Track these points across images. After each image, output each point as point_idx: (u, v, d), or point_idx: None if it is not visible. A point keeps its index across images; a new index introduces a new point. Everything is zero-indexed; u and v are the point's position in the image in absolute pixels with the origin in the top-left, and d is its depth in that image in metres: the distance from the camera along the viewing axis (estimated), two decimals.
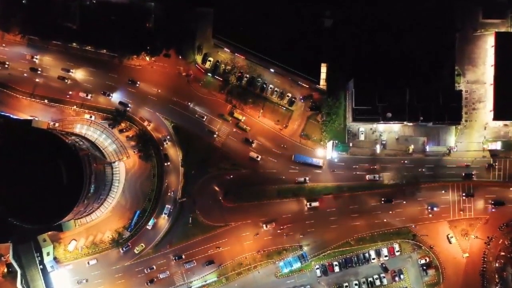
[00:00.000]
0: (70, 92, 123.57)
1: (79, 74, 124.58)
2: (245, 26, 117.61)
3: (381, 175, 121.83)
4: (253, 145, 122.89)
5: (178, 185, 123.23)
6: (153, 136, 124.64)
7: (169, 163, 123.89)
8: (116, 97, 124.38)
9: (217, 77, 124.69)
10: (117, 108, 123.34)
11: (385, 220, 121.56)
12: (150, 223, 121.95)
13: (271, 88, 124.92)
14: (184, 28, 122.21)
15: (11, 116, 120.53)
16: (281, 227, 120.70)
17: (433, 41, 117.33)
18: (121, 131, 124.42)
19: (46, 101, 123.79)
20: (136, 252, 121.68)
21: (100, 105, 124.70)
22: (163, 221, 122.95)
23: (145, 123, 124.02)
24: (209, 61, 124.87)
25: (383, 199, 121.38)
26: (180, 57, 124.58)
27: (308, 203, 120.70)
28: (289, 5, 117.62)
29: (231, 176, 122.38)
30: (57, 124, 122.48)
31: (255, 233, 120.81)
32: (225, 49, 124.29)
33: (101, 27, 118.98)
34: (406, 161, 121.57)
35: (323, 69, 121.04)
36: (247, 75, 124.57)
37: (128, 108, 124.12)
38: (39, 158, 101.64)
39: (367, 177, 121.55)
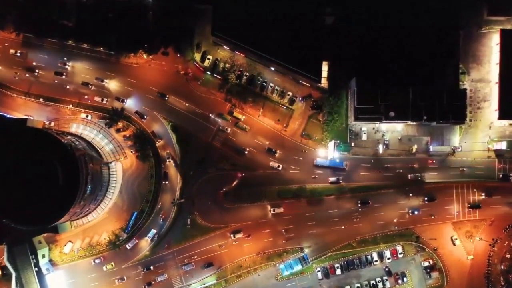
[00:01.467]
0: (86, 97, 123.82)
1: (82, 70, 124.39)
2: (245, 24, 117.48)
3: (422, 174, 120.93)
4: (276, 154, 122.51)
5: (177, 186, 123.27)
6: (157, 151, 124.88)
7: (167, 182, 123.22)
8: (130, 103, 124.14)
9: (216, 75, 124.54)
10: (113, 107, 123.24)
11: (381, 223, 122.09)
12: (131, 243, 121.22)
13: (271, 86, 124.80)
14: (183, 25, 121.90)
15: (6, 115, 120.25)
16: (247, 236, 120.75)
17: (437, 38, 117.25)
18: (118, 130, 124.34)
19: (41, 100, 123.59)
20: (105, 270, 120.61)
21: (96, 104, 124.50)
22: (145, 244, 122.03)
23: (157, 140, 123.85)
24: (208, 59, 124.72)
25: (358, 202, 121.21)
26: (178, 55, 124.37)
27: (272, 209, 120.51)
28: (289, 2, 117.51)
29: (243, 174, 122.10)
30: (52, 124, 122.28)
31: (219, 244, 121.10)
32: (224, 46, 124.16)
33: (97, 24, 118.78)
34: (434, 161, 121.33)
35: (325, 67, 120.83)
36: (247, 74, 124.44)
37: (124, 103, 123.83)
38: (34, 158, 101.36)
39: (409, 176, 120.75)
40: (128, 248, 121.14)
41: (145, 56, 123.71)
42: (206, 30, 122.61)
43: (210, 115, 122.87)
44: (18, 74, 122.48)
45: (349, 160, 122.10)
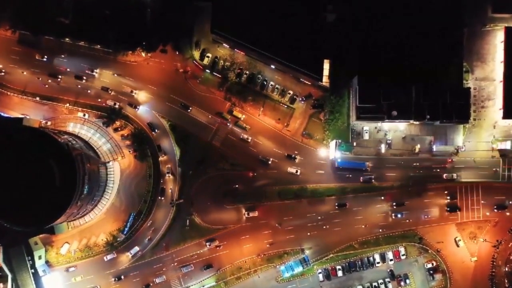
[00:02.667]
0: (100, 100, 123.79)
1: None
2: (245, 21, 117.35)
3: (458, 174, 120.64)
4: (296, 160, 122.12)
5: (175, 187, 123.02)
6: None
7: (162, 198, 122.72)
8: (142, 110, 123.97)
9: (215, 73, 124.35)
10: (111, 106, 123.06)
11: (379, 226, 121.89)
12: (109, 256, 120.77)
13: (271, 85, 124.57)
14: (181, 22, 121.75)
15: (1, 114, 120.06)
16: (218, 246, 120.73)
17: (440, 36, 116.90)
18: (115, 129, 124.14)
19: (38, 98, 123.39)
20: (74, 281, 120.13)
21: (94, 103, 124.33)
22: (125, 259, 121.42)
23: (160, 155, 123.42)
24: (208, 57, 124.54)
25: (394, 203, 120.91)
26: (177, 53, 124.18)
27: (246, 213, 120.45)
28: None
29: (255, 174, 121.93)
30: (49, 123, 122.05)
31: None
32: (224, 44, 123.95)
33: (95, 21, 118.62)
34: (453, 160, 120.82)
35: (326, 65, 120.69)
36: (247, 72, 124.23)
37: (137, 110, 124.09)
38: (31, 158, 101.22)
39: (445, 176, 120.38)
40: (105, 260, 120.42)
41: (143, 54, 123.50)
42: (205, 27, 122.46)
43: (228, 124, 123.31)
44: (40, 79, 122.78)
45: (351, 160, 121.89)
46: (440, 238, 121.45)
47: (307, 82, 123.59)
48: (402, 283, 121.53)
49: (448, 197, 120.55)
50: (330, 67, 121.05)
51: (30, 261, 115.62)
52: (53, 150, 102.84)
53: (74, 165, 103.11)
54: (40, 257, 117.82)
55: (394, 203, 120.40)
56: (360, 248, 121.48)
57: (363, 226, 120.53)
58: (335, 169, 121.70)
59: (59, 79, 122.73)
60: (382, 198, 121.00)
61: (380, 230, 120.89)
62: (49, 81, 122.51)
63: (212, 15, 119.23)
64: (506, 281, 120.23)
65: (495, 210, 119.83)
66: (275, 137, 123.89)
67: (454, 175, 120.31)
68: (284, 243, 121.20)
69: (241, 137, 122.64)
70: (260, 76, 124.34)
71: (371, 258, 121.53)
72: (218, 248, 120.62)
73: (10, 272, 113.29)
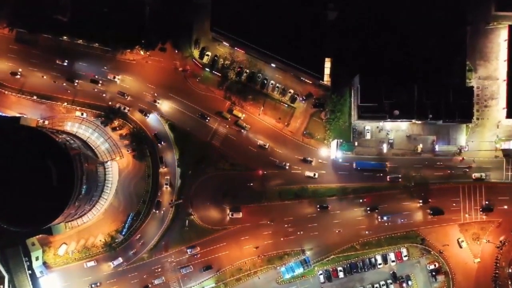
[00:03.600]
0: (110, 103, 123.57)
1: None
2: (245, 19, 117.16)
3: (488, 174, 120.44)
4: (312, 163, 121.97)
5: (174, 188, 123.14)
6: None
7: (157, 211, 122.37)
8: (152, 118, 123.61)
9: (215, 72, 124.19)
10: (109, 105, 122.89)
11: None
12: (89, 264, 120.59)
13: (272, 84, 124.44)
14: (181, 20, 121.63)
15: None
16: (196, 254, 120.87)
17: (443, 34, 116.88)
18: (114, 129, 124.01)
19: (35, 97, 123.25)
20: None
21: (92, 102, 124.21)
22: (106, 268, 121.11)
23: (161, 166, 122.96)
24: (207, 55, 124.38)
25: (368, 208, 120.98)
26: (176, 51, 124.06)
27: (230, 213, 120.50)
28: None
29: (265, 172, 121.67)
30: (46, 122, 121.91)
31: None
32: (223, 42, 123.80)
33: (93, 19, 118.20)
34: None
35: (327, 64, 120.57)
36: (247, 70, 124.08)
37: (147, 117, 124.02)
38: (28, 158, 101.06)
39: (474, 175, 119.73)
40: (85, 267, 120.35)
41: (142, 53, 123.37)
42: (205, 25, 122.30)
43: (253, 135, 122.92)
44: (56, 82, 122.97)
45: (352, 160, 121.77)
46: (442, 239, 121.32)
47: (308, 81, 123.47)
48: (404, 285, 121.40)
49: (420, 201, 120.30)
50: (331, 65, 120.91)
51: (27, 262, 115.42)
52: (50, 150, 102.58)
53: (72, 165, 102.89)
54: (37, 258, 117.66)
55: (368, 208, 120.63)
56: (362, 249, 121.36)
57: (337, 231, 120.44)
58: (336, 168, 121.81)
59: (76, 84, 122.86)
60: (361, 200, 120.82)
61: (367, 232, 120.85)
62: (64, 84, 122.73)
63: (211, 12, 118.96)
64: (509, 282, 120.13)
65: (481, 213, 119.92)
66: (276, 137, 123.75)
67: (483, 174, 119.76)
68: (284, 244, 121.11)
69: (259, 143, 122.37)
70: (260, 74, 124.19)
71: (372, 259, 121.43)
72: (195, 256, 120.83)
73: (7, 273, 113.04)
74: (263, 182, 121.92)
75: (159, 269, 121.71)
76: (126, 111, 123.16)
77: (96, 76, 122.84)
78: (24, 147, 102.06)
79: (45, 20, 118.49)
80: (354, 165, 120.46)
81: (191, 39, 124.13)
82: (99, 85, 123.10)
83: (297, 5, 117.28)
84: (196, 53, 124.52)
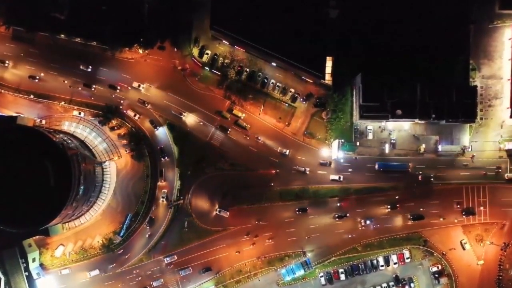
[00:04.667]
0: (120, 106, 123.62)
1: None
2: (245, 17, 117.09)
3: None
4: (332, 165, 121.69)
5: (173, 188, 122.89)
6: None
7: (148, 227, 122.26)
8: (161, 132, 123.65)
9: (215, 71, 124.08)
10: (107, 104, 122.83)
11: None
12: (64, 271, 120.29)
13: (272, 83, 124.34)
14: (180, 18, 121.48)
15: None
16: (169, 264, 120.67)
17: (446, 33, 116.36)
18: (112, 128, 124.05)
19: (32, 96, 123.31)
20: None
21: (89, 101, 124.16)
22: (82, 276, 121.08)
23: (160, 180, 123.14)
24: (207, 54, 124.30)
25: (388, 206, 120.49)
26: (175, 50, 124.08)
27: (217, 210, 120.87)
28: None
29: (277, 171, 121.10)
30: (44, 121, 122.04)
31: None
32: (223, 41, 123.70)
33: (91, 17, 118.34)
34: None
35: (328, 63, 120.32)
36: (247, 69, 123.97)
37: (156, 130, 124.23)
38: (24, 158, 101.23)
39: (506, 176, 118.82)
40: (59, 274, 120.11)
41: (140, 51, 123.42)
42: (205, 23, 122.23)
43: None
44: (71, 87, 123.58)
45: (354, 160, 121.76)
46: (445, 240, 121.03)
47: (309, 80, 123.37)
48: (407, 287, 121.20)
49: (388, 206, 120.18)
50: (332, 64, 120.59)
51: (24, 264, 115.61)
52: (47, 150, 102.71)
53: (69, 165, 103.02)
54: (34, 260, 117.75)
55: (337, 215, 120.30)
56: (364, 251, 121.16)
57: (306, 238, 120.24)
58: (338, 169, 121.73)
59: (93, 89, 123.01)
60: (338, 204, 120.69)
61: (350, 236, 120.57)
62: (79, 88, 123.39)
63: (211, 10, 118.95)
64: None
65: (464, 216, 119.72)
66: (276, 137, 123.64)
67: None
68: (285, 246, 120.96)
69: (279, 150, 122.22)
70: (260, 73, 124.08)
71: (374, 261, 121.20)
72: (169, 266, 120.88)
73: (3, 275, 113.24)
74: (264, 182, 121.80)
75: (158, 271, 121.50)
76: (136, 118, 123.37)
77: (121, 84, 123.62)
78: (21, 147, 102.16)
79: (42, 18, 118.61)
80: (376, 166, 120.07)
81: (191, 37, 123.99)
82: (117, 91, 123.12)
83: (298, 2, 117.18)
84: (195, 51, 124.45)
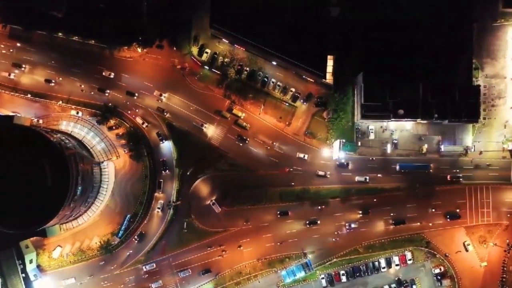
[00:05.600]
0: (130, 112, 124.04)
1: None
2: (245, 15, 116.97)
3: None
4: (349, 167, 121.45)
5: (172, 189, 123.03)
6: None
7: (137, 240, 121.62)
8: (166, 145, 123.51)
9: (214, 70, 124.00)
10: (105, 104, 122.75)
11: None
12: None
13: (273, 82, 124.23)
14: (179, 17, 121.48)
15: None
16: (145, 272, 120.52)
17: (449, 32, 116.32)
18: (110, 128, 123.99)
19: (29, 95, 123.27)
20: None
21: (87, 101, 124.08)
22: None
23: (158, 191, 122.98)
24: (206, 53, 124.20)
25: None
26: (174, 49, 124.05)
27: (212, 201, 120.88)
28: None
29: (291, 169, 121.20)
30: (41, 121, 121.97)
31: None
32: (223, 40, 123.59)
33: (89, 15, 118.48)
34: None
35: (330, 62, 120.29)
36: (247, 68, 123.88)
37: (162, 142, 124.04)
38: (21, 158, 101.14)
39: None
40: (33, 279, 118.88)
41: (139, 50, 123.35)
42: (204, 22, 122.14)
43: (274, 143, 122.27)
44: (84, 91, 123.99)
45: (355, 160, 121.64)
46: (448, 242, 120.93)
47: (309, 79, 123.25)
48: None
49: (360, 211, 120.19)
50: (334, 63, 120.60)
51: (21, 265, 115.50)
52: (45, 150, 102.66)
53: (67, 165, 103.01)
54: (31, 261, 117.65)
55: (308, 221, 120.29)
56: (365, 252, 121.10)
57: (278, 244, 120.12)
58: (339, 169, 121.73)
59: (107, 94, 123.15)
60: (319, 207, 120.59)
61: (334, 240, 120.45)
62: (92, 93, 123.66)
63: (211, 8, 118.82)
64: None
65: (448, 220, 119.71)
66: (277, 136, 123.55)
67: None
68: (285, 247, 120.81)
69: (297, 155, 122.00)
70: (261, 73, 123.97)
71: (376, 263, 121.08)
72: (145, 276, 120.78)
73: (0, 277, 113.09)
74: (264, 183, 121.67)
75: (157, 273, 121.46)
76: (144, 126, 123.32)
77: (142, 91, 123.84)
78: (17, 147, 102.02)
79: (39, 16, 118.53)
80: (398, 167, 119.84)
81: (190, 36, 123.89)
82: (135, 97, 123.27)
83: (299, 0, 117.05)
84: (195, 50, 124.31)
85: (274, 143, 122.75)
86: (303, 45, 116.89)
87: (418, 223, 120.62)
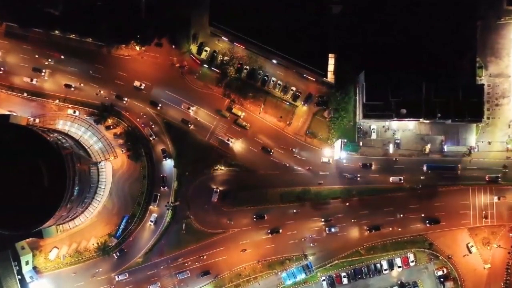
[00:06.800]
0: (140, 119, 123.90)
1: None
2: (245, 13, 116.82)
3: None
4: (372, 168, 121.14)
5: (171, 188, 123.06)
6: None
7: (117, 256, 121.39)
8: (168, 163, 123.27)
9: (214, 68, 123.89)
10: (103, 103, 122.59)
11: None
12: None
13: (273, 81, 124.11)
14: (178, 14, 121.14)
15: None
16: (120, 280, 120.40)
17: (452, 30, 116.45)
18: (108, 128, 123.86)
19: (25, 94, 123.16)
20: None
21: (84, 99, 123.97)
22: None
23: (154, 205, 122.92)
24: (205, 51, 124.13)
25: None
26: (173, 47, 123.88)
27: (216, 189, 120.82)
28: None
29: (310, 168, 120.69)
30: (37, 120, 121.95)
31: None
32: (223, 38, 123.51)
33: (86, 13, 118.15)
34: None
35: (331, 60, 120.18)
36: (247, 67, 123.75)
37: (166, 159, 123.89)
38: (17, 158, 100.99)
39: None
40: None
41: (137, 48, 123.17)
42: (203, 19, 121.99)
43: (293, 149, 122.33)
44: (97, 94, 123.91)
45: (357, 160, 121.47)
46: (451, 244, 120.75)
47: (310, 78, 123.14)
48: None
49: (322, 219, 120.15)
50: (335, 62, 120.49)
51: (17, 267, 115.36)
52: (41, 149, 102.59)
53: (64, 165, 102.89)
54: (27, 263, 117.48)
55: (269, 230, 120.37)
56: (367, 254, 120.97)
57: (242, 251, 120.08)
58: (339, 170, 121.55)
59: (124, 101, 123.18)
60: (294, 211, 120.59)
61: (311, 244, 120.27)
62: (106, 98, 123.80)
63: (210, 6, 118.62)
64: None
65: (427, 225, 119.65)
66: (277, 136, 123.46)
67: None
68: (286, 249, 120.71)
69: (323, 161, 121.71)
70: (261, 71, 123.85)
71: (378, 265, 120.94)
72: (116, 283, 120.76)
73: None
74: (264, 184, 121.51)
75: (155, 275, 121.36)
76: (151, 139, 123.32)
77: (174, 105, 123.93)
78: (13, 146, 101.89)
79: (36, 14, 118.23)
80: (425, 168, 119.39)
81: (189, 34, 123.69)
82: (158, 108, 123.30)
83: None
84: (194, 48, 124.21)
85: (294, 149, 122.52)
86: (304, 43, 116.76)
87: (418, 225, 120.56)
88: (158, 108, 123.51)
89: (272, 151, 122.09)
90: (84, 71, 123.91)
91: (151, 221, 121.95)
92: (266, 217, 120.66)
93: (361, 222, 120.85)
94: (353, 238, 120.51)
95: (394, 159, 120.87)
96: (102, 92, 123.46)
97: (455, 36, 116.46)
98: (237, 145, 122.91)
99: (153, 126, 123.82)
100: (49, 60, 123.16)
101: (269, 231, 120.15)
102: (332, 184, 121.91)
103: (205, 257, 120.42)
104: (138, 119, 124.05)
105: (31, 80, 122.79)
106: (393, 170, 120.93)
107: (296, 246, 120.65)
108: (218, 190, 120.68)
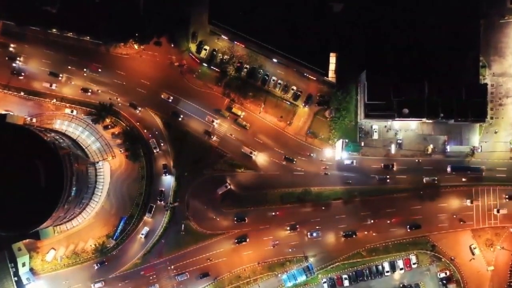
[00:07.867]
0: (145, 130, 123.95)
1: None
2: (245, 11, 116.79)
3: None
4: (394, 168, 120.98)
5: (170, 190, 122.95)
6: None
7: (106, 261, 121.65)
8: (168, 178, 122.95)
9: (213, 67, 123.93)
10: (101, 102, 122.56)
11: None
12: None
13: (273, 80, 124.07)
14: (177, 12, 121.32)
15: None
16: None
17: (455, 28, 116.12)
18: (106, 127, 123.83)
19: (22, 93, 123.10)
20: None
21: (82, 99, 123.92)
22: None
23: (149, 216, 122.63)
24: (205, 49, 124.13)
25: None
26: (172, 45, 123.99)
27: (227, 184, 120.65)
28: None
29: (326, 167, 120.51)
30: (34, 120, 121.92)
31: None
32: (222, 36, 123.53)
33: (84, 11, 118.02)
34: None
35: (332, 59, 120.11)
36: (247, 66, 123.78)
37: (166, 175, 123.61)
38: (14, 157, 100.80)
39: None
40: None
41: (136, 46, 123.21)
42: (203, 18, 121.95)
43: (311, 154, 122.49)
44: (110, 99, 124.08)
45: (358, 161, 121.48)
46: (454, 245, 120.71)
47: (311, 77, 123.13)
48: None
49: (288, 228, 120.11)
50: (336, 61, 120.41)
51: (13, 269, 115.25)
52: (38, 149, 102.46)
53: (61, 165, 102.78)
54: (24, 264, 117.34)
55: (237, 240, 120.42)
56: (368, 256, 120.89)
57: (209, 261, 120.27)
58: (340, 170, 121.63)
59: (138, 111, 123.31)
60: (273, 214, 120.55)
61: (290, 250, 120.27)
62: (119, 104, 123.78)
63: (210, 4, 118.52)
64: None
65: (408, 230, 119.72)
66: (277, 136, 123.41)
67: None
68: (286, 250, 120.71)
69: (346, 163, 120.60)
70: (261, 70, 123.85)
71: (379, 267, 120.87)
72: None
73: None
74: (265, 184, 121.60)
75: (153, 276, 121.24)
76: (155, 152, 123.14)
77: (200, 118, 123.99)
78: (10, 146, 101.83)
79: (33, 12, 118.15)
80: (449, 169, 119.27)
81: (188, 32, 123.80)
82: (179, 119, 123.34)
83: None
84: (193, 47, 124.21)
85: (312, 154, 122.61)
86: (304, 42, 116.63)
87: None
88: (180, 119, 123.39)
89: (295, 160, 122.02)
90: (107, 75, 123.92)
91: (142, 234, 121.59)
92: (246, 220, 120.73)
93: (362, 224, 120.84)
94: (354, 239, 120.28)
95: (417, 160, 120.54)
96: (119, 99, 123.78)
97: (458, 35, 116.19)
98: (260, 158, 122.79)
99: (161, 143, 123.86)
100: (85, 70, 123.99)
101: (236, 240, 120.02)
102: (332, 184, 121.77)
103: (212, 259, 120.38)
104: (145, 130, 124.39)
105: (50, 86, 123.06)
106: (417, 170, 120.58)
107: (299, 247, 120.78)
108: (229, 186, 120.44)
